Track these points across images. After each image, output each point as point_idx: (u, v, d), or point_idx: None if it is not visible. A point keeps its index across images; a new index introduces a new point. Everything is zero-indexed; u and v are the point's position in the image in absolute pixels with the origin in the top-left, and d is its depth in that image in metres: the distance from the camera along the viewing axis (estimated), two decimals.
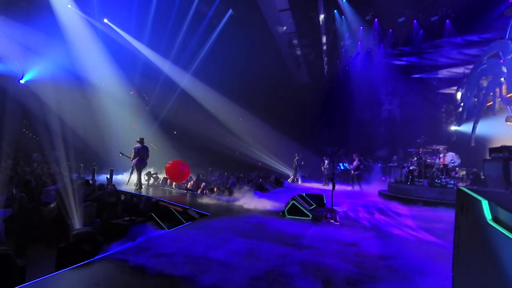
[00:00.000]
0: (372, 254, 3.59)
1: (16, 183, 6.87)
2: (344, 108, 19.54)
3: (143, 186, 9.50)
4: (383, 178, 13.30)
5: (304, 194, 6.95)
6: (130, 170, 9.65)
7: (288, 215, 5.68)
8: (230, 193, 8.41)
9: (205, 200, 7.70)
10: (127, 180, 9.92)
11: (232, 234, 4.22)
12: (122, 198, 6.99)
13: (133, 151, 9.36)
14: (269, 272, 2.91)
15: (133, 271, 2.90)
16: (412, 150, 9.99)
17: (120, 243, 3.59)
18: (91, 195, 6.31)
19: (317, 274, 2.89)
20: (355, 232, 4.68)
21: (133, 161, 9.27)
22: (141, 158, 9.27)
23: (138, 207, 6.31)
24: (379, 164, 15.57)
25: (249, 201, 7.30)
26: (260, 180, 11.19)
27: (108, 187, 7.28)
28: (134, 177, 9.54)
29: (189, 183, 9.93)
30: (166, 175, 9.65)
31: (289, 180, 13.91)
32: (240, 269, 2.94)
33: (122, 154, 10.28)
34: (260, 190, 9.38)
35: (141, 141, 9.41)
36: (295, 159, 14.10)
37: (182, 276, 2.73)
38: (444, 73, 16.63)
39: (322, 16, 18.81)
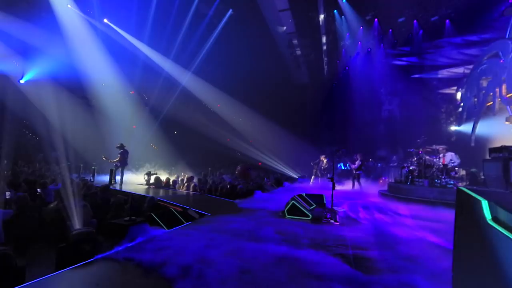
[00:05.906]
0: (372, 254, 3.59)
1: (15, 183, 6.84)
2: (344, 108, 19.48)
3: (142, 186, 10.45)
4: (383, 178, 13.27)
5: (304, 194, 6.93)
6: (114, 170, 10.79)
7: (288, 215, 5.67)
8: (231, 193, 8.40)
9: (205, 200, 7.69)
10: (119, 180, 10.77)
11: (232, 234, 4.21)
12: (123, 198, 6.98)
13: (119, 154, 10.91)
14: (266, 272, 2.91)
15: (133, 271, 2.90)
16: (412, 150, 9.97)
17: (120, 243, 3.59)
18: (89, 195, 6.29)
19: (317, 274, 2.89)
20: (355, 232, 4.68)
21: (119, 162, 10.88)
22: (125, 160, 11.01)
23: (139, 207, 6.30)
24: (379, 164, 15.54)
25: (249, 201, 7.29)
26: (265, 179, 11.21)
27: (110, 187, 7.28)
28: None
29: (190, 184, 9.92)
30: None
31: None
32: (238, 269, 2.94)
33: (106, 158, 11.27)
34: (260, 190, 9.36)
35: (122, 146, 11.08)
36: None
37: (181, 276, 2.73)
38: (444, 73, 16.60)
39: (322, 16, 18.79)
